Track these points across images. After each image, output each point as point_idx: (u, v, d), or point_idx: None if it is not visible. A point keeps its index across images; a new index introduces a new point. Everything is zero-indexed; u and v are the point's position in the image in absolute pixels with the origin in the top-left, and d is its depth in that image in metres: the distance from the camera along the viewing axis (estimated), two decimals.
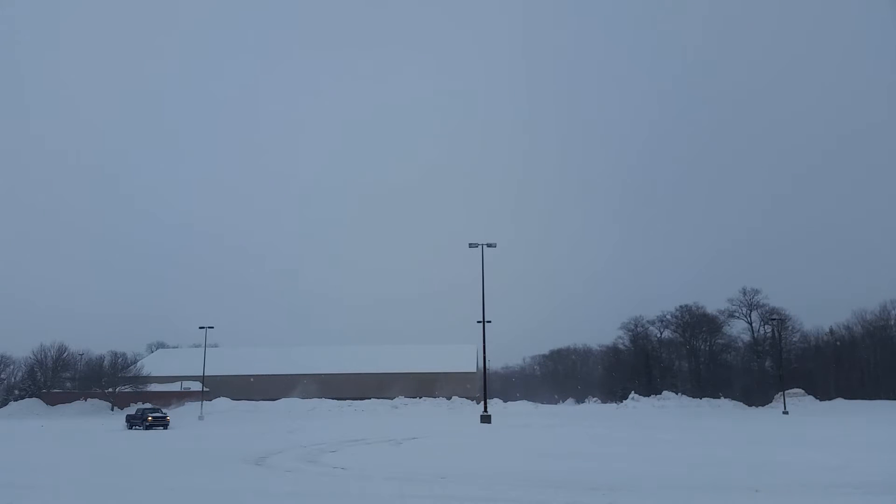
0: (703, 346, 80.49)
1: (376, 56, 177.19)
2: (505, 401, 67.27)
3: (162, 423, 38.43)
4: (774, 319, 74.47)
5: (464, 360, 76.19)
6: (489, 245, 38.98)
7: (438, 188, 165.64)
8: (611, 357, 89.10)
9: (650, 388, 73.68)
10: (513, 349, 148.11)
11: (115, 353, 69.42)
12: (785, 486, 10.42)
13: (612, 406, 67.18)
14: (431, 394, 67.64)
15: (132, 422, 39.48)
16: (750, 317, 77.59)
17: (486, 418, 35.54)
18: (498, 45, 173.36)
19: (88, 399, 62.71)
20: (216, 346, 78.11)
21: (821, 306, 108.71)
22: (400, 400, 65.01)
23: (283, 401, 62.84)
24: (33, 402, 61.47)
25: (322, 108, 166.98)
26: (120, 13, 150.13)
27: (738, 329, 78.98)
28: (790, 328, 76.30)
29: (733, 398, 69.33)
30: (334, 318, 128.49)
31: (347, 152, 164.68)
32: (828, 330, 78.93)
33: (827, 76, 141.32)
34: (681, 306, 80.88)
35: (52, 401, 62.00)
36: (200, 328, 56.57)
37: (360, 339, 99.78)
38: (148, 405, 46.94)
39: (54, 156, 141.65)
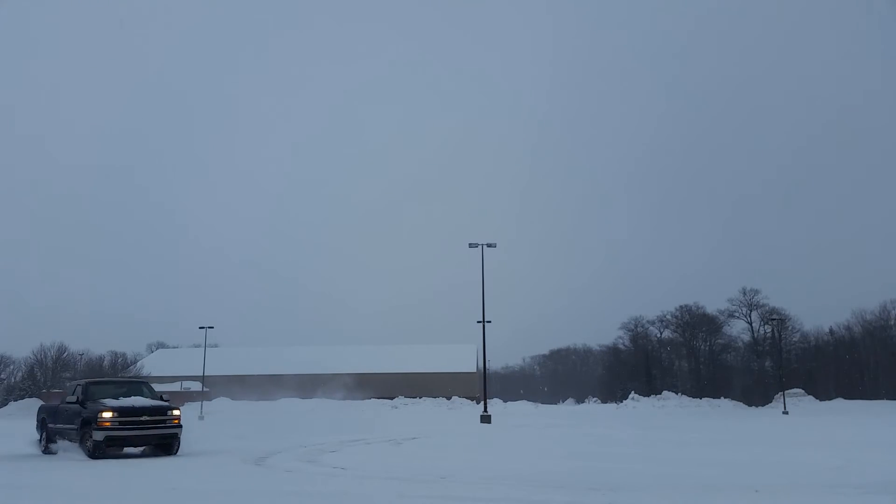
0: (703, 346, 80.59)
1: (378, 57, 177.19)
2: (505, 401, 67.32)
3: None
4: (774, 319, 74.55)
5: (464, 360, 76.29)
6: (489, 245, 38.94)
7: (438, 189, 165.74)
8: (611, 357, 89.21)
9: (650, 388, 73.73)
10: (513, 349, 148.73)
11: (115, 353, 69.66)
12: (785, 486, 10.42)
13: (612, 406, 67.25)
14: (431, 394, 67.68)
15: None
16: (750, 317, 77.76)
17: (486, 418, 35.52)
18: (501, 45, 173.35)
19: None
20: (216, 346, 78.23)
21: (821, 306, 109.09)
22: (400, 400, 65.07)
23: (283, 401, 62.87)
24: (33, 402, 61.42)
25: (320, 109, 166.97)
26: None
27: (738, 329, 79.22)
28: (790, 328, 76.45)
29: (733, 398, 69.41)
30: (334, 319, 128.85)
31: (348, 153, 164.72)
32: (828, 330, 79.05)
33: (828, 76, 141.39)
34: (681, 306, 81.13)
35: (52, 401, 61.97)
36: (200, 328, 56.68)
37: (360, 340, 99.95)
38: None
39: (53, 156, 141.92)
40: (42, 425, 17.31)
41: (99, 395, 15.94)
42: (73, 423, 15.41)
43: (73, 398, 15.89)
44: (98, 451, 14.54)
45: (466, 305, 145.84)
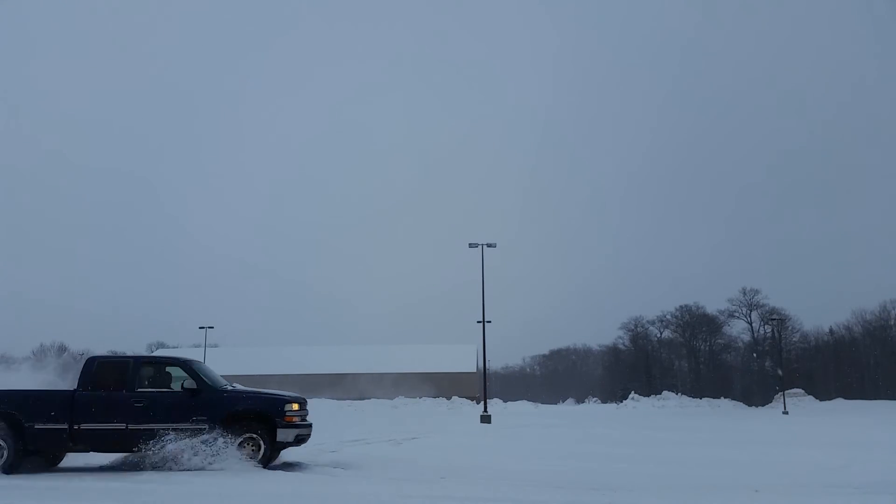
0: (703, 346, 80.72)
1: (379, 57, 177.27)
2: (505, 401, 67.23)
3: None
4: (774, 319, 74.68)
5: (464, 360, 76.23)
6: (489, 245, 38.91)
7: (439, 188, 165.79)
8: (611, 357, 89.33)
9: (650, 388, 73.78)
10: (513, 349, 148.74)
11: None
12: (785, 486, 10.41)
13: (612, 406, 67.22)
14: (431, 394, 67.63)
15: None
16: (750, 317, 77.89)
17: (485, 418, 35.50)
18: (502, 45, 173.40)
19: None
20: (216, 346, 78.18)
21: (821, 306, 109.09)
22: (400, 400, 65.00)
23: None
24: None
25: (321, 109, 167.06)
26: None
27: (738, 329, 79.38)
28: (790, 328, 76.59)
29: (733, 398, 69.46)
30: (335, 319, 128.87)
31: (349, 153, 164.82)
32: (828, 330, 79.15)
33: (828, 75, 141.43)
34: (681, 306, 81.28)
35: None
36: (200, 328, 56.72)
37: (360, 339, 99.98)
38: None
39: (53, 155, 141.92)
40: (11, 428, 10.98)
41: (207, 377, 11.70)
42: (185, 420, 11.23)
43: (187, 381, 11.21)
44: (271, 457, 11.27)
45: (466, 305, 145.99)
